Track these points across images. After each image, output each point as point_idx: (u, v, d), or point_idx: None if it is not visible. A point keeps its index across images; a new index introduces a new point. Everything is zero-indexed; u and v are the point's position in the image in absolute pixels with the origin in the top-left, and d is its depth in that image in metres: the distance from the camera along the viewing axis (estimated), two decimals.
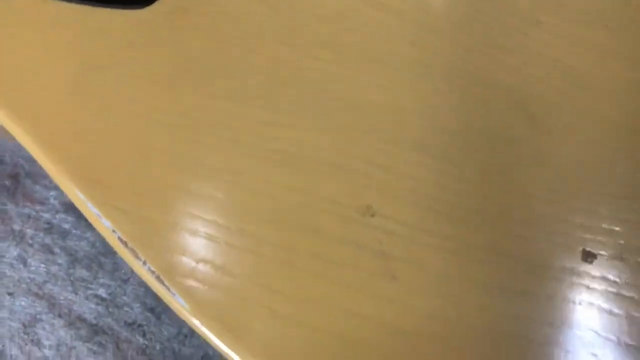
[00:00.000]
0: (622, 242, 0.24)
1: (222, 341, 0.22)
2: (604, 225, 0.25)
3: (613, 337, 0.23)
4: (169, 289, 0.23)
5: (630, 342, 0.23)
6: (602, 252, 0.24)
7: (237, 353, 0.22)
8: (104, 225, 0.24)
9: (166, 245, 0.24)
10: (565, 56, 0.27)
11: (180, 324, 0.28)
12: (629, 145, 0.26)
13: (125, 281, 0.31)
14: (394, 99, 0.26)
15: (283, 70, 0.27)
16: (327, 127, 0.26)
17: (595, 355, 0.23)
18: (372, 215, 0.24)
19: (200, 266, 0.24)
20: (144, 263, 0.23)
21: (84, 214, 0.24)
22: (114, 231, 0.24)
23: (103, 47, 0.27)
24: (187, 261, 0.24)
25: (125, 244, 0.23)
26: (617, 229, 0.25)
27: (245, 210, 0.25)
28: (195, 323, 0.23)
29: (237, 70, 0.27)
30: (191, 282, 0.23)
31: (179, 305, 0.23)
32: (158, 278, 0.23)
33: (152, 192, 0.25)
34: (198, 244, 0.24)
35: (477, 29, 0.28)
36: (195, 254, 0.24)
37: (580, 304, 0.23)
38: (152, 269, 0.23)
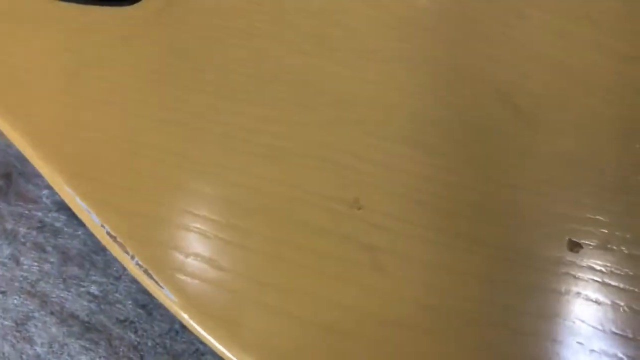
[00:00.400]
0: (607, 231, 0.24)
1: (211, 334, 0.23)
2: (590, 215, 0.25)
3: (599, 326, 0.23)
4: (157, 283, 0.23)
5: (616, 331, 0.23)
6: (588, 242, 0.24)
7: (226, 346, 0.22)
8: (92, 220, 0.24)
9: (155, 239, 0.24)
10: (549, 48, 0.28)
11: (172, 320, 0.28)
12: (613, 135, 0.26)
13: (117, 278, 0.32)
14: (381, 92, 0.27)
15: (271, 64, 0.27)
16: (314, 121, 0.26)
17: (581, 344, 0.23)
18: (359, 208, 0.24)
19: (190, 260, 0.24)
20: (132, 257, 0.23)
21: (73, 208, 0.24)
22: (102, 226, 0.24)
23: (92, 45, 0.27)
24: (176, 255, 0.24)
25: (114, 238, 0.24)
26: (602, 218, 0.25)
27: (234, 204, 0.25)
28: (184, 317, 0.23)
29: (225, 65, 0.27)
30: (180, 276, 0.23)
31: (167, 299, 0.23)
32: (146, 272, 0.23)
33: (141, 187, 0.25)
34: (187, 238, 0.24)
35: (463, 23, 0.28)
36: (184, 248, 0.24)
37: (566, 293, 0.24)
38: (141, 263, 0.23)
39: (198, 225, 0.24)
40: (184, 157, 0.25)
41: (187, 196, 0.25)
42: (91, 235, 0.35)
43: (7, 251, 0.35)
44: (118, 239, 0.24)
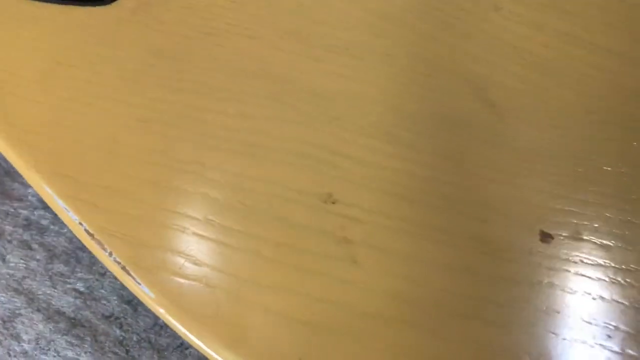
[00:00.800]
0: (578, 222, 0.25)
1: (188, 330, 0.23)
2: (561, 207, 0.25)
3: (571, 315, 0.24)
4: (135, 280, 0.24)
5: (587, 319, 0.24)
6: (559, 233, 0.25)
7: (202, 340, 0.23)
8: (70, 217, 0.24)
9: (133, 236, 0.24)
10: (523, 42, 0.28)
11: (156, 315, 0.29)
12: (585, 128, 0.26)
13: (103, 275, 0.32)
14: (357, 88, 0.27)
15: (248, 62, 0.27)
16: (291, 117, 0.26)
17: (555, 333, 0.23)
18: (334, 203, 0.25)
19: (168, 256, 0.24)
20: (110, 254, 0.24)
21: (51, 206, 0.25)
22: (80, 223, 0.24)
23: (70, 44, 0.28)
24: (154, 252, 0.24)
25: (91, 235, 0.24)
26: (573, 209, 0.25)
27: (212, 201, 0.25)
28: (162, 312, 0.23)
29: (203, 64, 0.28)
30: (158, 273, 0.24)
31: (146, 295, 0.23)
32: (124, 269, 0.24)
33: (119, 185, 0.25)
34: (166, 235, 0.24)
35: (438, 18, 0.28)
36: (162, 245, 0.24)
37: (538, 283, 0.24)
38: (118, 260, 0.24)
39: (177, 223, 0.25)
40: (163, 155, 0.26)
41: (166, 194, 0.25)
42: None
43: None
44: (96, 237, 0.24)
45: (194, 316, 0.23)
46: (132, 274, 0.24)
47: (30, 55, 0.27)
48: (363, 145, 0.26)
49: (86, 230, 0.24)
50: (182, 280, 0.24)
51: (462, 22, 0.28)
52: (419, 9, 0.29)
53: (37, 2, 0.28)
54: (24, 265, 0.35)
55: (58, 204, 0.24)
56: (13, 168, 0.38)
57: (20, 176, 0.37)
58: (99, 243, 0.24)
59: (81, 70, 0.27)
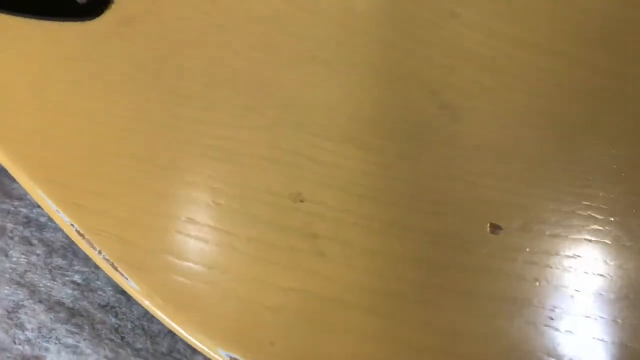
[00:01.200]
0: (525, 214, 0.27)
1: (169, 317, 0.26)
2: (510, 200, 0.27)
3: (526, 302, 0.26)
4: (122, 275, 0.26)
5: (538, 305, 0.26)
6: (508, 224, 0.27)
7: (182, 326, 0.25)
8: (62, 219, 0.27)
9: (119, 235, 0.27)
10: (477, 46, 0.30)
11: None
12: (534, 127, 0.29)
13: (98, 267, 0.34)
14: (321, 94, 0.29)
15: (221, 72, 0.30)
16: (261, 124, 0.29)
17: (505, 317, 0.26)
18: (302, 201, 0.27)
19: (151, 253, 0.27)
20: (99, 252, 0.26)
21: (45, 209, 0.27)
22: (72, 224, 0.27)
23: (57, 57, 0.30)
24: (138, 248, 0.27)
25: (82, 235, 0.26)
26: (522, 202, 0.27)
27: (191, 202, 0.28)
28: (146, 303, 0.26)
29: (180, 75, 0.30)
30: (141, 267, 0.26)
31: (132, 288, 0.26)
32: (112, 265, 0.26)
33: (106, 189, 0.28)
34: (149, 234, 0.27)
35: (397, 25, 0.31)
36: (146, 243, 0.27)
37: (489, 271, 0.26)
38: (107, 257, 0.26)
39: (159, 222, 0.27)
40: (145, 161, 0.28)
41: (149, 196, 0.28)
42: None
43: None
44: (86, 236, 0.26)
45: (176, 305, 0.26)
46: (120, 269, 0.26)
47: (21, 69, 0.30)
48: (328, 149, 0.28)
49: (77, 231, 0.27)
50: (163, 274, 0.26)
51: (420, 28, 0.30)
52: (381, 18, 0.31)
53: (22, 18, 0.30)
54: (26, 260, 0.37)
55: (50, 207, 0.27)
56: None
57: None
58: (89, 242, 0.26)
59: (67, 83, 0.29)
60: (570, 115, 0.29)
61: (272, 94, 0.29)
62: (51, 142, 0.28)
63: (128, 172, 0.28)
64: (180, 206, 0.27)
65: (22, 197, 0.40)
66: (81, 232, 0.27)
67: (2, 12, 0.30)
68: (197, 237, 0.27)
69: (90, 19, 0.30)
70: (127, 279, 0.26)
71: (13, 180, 0.40)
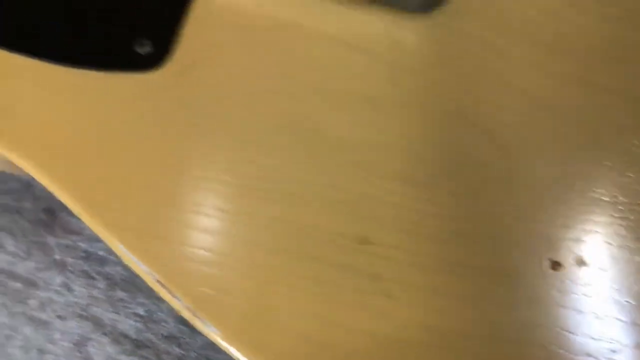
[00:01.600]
0: (583, 249, 0.28)
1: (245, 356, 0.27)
2: (568, 236, 0.29)
3: (586, 335, 0.27)
4: (200, 319, 0.28)
5: (598, 338, 0.27)
6: (566, 260, 0.28)
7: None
8: (142, 269, 0.28)
9: (196, 282, 0.28)
10: (528, 84, 0.31)
11: None
12: (583, 158, 0.30)
13: (160, 299, 0.36)
14: (378, 135, 0.30)
15: (280, 117, 0.31)
16: (318, 165, 0.30)
17: (566, 351, 0.27)
18: (366, 243, 0.29)
19: (220, 294, 0.28)
20: (179, 299, 0.28)
21: (123, 259, 0.29)
22: (151, 274, 0.28)
23: (121, 108, 0.31)
24: (209, 292, 0.28)
25: (162, 285, 0.28)
26: (579, 238, 0.29)
27: (259, 246, 0.29)
28: (229, 349, 0.27)
29: (241, 119, 0.31)
30: (219, 312, 0.28)
31: (211, 332, 0.28)
32: (193, 312, 0.28)
33: (175, 236, 0.29)
34: (221, 277, 0.28)
35: (446, 63, 0.32)
36: (213, 285, 0.28)
37: (550, 305, 0.28)
38: (187, 305, 0.28)
39: (219, 260, 0.29)
40: (210, 206, 0.29)
41: (213, 239, 0.29)
42: None
43: (59, 280, 0.40)
44: (166, 285, 0.28)
45: (250, 344, 0.27)
46: (198, 315, 0.28)
47: (84, 118, 0.31)
48: (387, 189, 0.30)
49: (157, 281, 0.28)
50: (240, 315, 0.28)
51: (472, 67, 0.31)
52: (430, 56, 0.32)
53: (87, 71, 0.31)
54: (88, 294, 0.39)
55: (131, 258, 0.28)
56: None
57: None
58: (169, 291, 0.28)
59: (132, 133, 0.31)
60: (618, 149, 0.30)
61: (329, 136, 0.30)
62: (121, 189, 0.30)
63: (195, 217, 0.29)
64: (249, 252, 0.29)
65: (80, 231, 0.41)
66: (161, 281, 0.28)
67: (66, 66, 0.32)
68: (266, 280, 0.28)
69: (152, 69, 0.32)
70: (209, 326, 0.27)
71: (69, 214, 0.42)
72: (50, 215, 0.41)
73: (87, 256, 0.40)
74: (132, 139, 0.31)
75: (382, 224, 0.29)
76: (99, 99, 0.31)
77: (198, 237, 0.29)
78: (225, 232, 0.29)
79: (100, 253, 0.40)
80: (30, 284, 0.40)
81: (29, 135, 0.31)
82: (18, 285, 0.40)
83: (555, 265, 0.28)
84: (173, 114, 0.31)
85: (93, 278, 0.40)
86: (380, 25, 0.32)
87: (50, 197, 0.42)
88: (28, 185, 0.42)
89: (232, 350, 0.28)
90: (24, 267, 0.41)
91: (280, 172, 0.30)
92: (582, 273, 0.28)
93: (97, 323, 0.38)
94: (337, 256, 0.29)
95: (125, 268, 0.40)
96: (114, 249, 0.29)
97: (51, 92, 0.31)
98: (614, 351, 0.27)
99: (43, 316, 0.39)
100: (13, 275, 0.41)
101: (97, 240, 0.41)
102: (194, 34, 0.32)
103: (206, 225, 0.29)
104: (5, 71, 0.31)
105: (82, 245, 0.41)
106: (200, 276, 0.28)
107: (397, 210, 0.29)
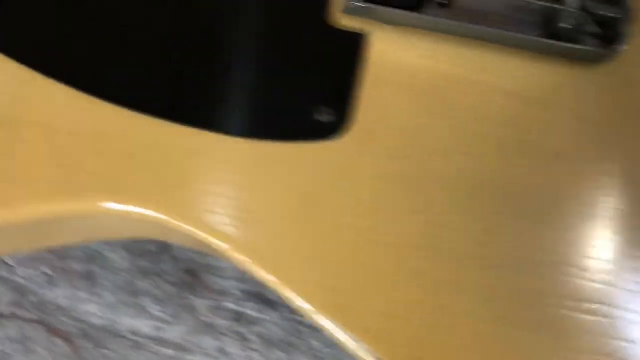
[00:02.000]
0: None
1: None
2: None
3: None
4: None
5: None
6: None
7: None
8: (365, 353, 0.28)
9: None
10: None
11: None
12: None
13: (316, 357, 0.36)
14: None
15: (471, 179, 0.31)
16: (515, 227, 0.30)
17: None
18: None
19: None
20: None
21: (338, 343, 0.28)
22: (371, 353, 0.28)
23: (313, 178, 0.30)
24: None
25: None
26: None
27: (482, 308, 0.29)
28: None
29: (427, 184, 0.31)
30: None
31: None
32: None
33: (388, 309, 0.29)
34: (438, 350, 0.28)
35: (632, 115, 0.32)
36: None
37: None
38: None
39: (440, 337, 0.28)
40: (421, 276, 0.29)
41: (409, 311, 0.29)
42: (286, 320, 0.40)
43: (212, 344, 0.39)
44: None
45: None
46: None
47: (281, 194, 0.30)
48: None
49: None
50: None
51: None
52: (614, 108, 0.32)
53: (273, 143, 0.31)
54: (245, 356, 0.39)
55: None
56: (207, 262, 0.42)
57: (216, 270, 0.41)
58: None
59: (324, 203, 0.30)
60: None
61: (520, 195, 0.30)
62: (326, 265, 0.29)
63: (404, 288, 0.29)
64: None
65: (225, 291, 0.41)
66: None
67: (253, 140, 0.31)
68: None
69: (334, 137, 0.31)
70: None
71: (211, 274, 0.41)
72: (192, 276, 0.41)
73: (238, 317, 0.40)
74: (326, 207, 0.30)
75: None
76: (295, 170, 0.30)
77: (409, 308, 0.29)
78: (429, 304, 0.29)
79: (250, 312, 0.40)
80: (183, 349, 0.40)
81: (231, 217, 0.30)
82: (170, 352, 0.40)
83: None
84: (360, 181, 0.31)
85: (248, 340, 0.39)
86: (557, 78, 0.32)
87: (190, 257, 0.42)
88: (165, 247, 0.42)
89: None
90: (173, 332, 0.40)
91: (469, 235, 0.30)
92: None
93: None
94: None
95: (280, 328, 0.39)
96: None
97: (243, 168, 0.31)
98: None
99: None
100: (163, 342, 0.40)
101: (245, 299, 0.40)
102: (370, 97, 0.32)
103: (413, 297, 0.29)
104: (191, 147, 0.31)
105: (230, 305, 0.40)
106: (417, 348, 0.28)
107: None
